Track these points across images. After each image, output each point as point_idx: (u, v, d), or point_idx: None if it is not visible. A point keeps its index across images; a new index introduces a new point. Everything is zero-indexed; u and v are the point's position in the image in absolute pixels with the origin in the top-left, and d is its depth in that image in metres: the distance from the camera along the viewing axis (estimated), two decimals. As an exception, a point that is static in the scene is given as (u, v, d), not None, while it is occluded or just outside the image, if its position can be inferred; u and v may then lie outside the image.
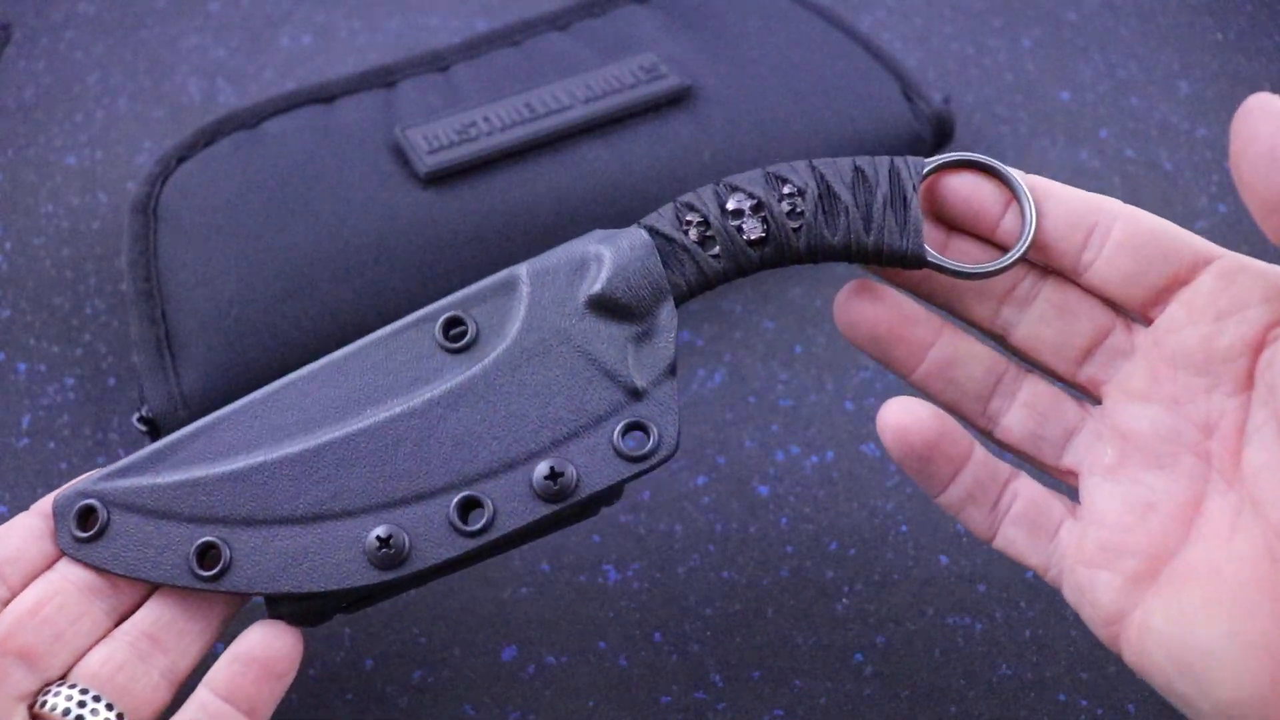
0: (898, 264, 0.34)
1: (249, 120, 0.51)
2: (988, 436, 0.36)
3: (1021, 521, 0.34)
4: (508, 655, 0.42)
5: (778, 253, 0.35)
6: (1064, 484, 0.35)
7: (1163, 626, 0.30)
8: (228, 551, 0.33)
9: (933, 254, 0.34)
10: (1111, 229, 0.33)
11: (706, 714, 0.40)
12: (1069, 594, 0.33)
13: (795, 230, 0.34)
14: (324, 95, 0.52)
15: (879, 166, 0.35)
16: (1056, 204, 0.34)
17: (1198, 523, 0.31)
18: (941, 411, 0.34)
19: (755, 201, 0.35)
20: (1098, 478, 0.33)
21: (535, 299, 0.35)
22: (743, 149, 0.50)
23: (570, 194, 0.49)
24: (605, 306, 0.34)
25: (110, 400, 0.48)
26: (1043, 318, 0.35)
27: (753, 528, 0.44)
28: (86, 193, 0.54)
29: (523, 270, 0.35)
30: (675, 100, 0.51)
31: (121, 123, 0.57)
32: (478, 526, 0.33)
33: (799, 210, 0.34)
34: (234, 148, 0.50)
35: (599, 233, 0.35)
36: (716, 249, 0.35)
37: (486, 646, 0.42)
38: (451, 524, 0.33)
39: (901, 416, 0.34)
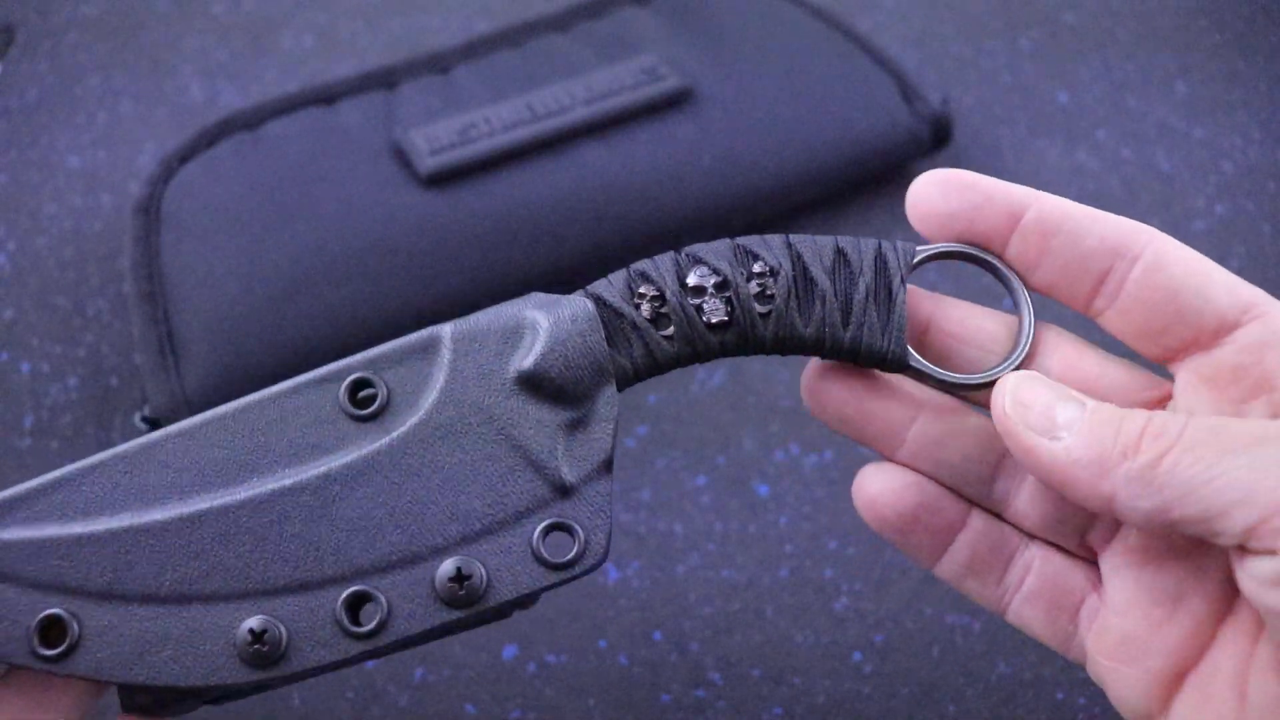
0: (875, 365, 0.31)
1: (251, 121, 0.51)
2: (1000, 520, 0.32)
3: (1037, 600, 0.31)
4: (508, 654, 0.42)
5: (740, 340, 0.31)
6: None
7: None
8: (76, 628, 0.28)
9: (916, 358, 0.30)
10: (1128, 275, 0.29)
11: (706, 712, 0.40)
12: (1093, 677, 0.30)
13: (763, 316, 0.30)
14: (325, 96, 0.52)
15: (864, 251, 0.31)
16: (1069, 241, 0.29)
17: (1228, 622, 0.28)
18: (923, 479, 0.31)
19: (720, 279, 0.30)
20: (1120, 560, 0.30)
21: (457, 367, 0.30)
22: (742, 150, 0.51)
23: (571, 195, 0.49)
24: (537, 386, 0.30)
25: (113, 400, 0.48)
26: None
27: (752, 527, 0.44)
28: (89, 193, 0.54)
29: (446, 331, 0.30)
30: (675, 102, 0.51)
31: (124, 124, 0.57)
32: (368, 628, 0.29)
33: (769, 293, 0.30)
34: (236, 149, 0.50)
35: (538, 296, 0.31)
36: (670, 329, 0.30)
37: (487, 645, 0.42)
38: (338, 621, 0.29)
39: (872, 486, 0.31)
